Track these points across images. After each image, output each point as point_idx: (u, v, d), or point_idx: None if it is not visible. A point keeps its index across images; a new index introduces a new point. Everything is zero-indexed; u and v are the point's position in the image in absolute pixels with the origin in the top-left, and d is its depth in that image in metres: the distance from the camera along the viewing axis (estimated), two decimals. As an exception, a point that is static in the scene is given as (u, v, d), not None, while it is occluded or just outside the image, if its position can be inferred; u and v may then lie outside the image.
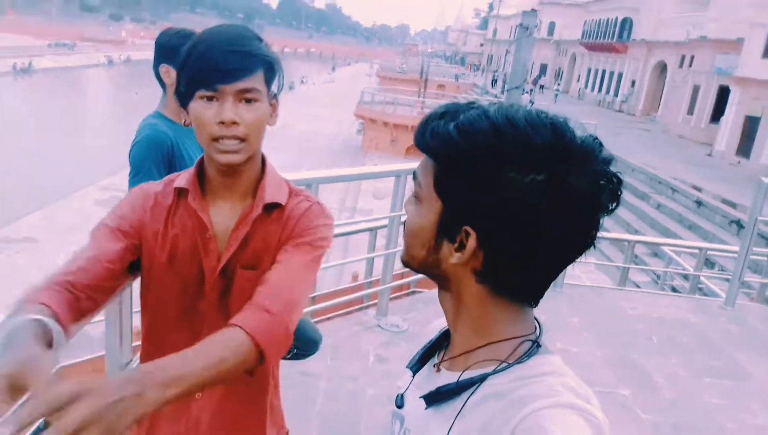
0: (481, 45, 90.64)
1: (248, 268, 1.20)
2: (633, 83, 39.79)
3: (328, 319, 4.07)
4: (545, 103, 32.33)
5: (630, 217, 17.26)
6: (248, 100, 1.12)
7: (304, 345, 2.23)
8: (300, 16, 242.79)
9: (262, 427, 1.34)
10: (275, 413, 1.39)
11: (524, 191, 0.67)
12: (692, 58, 30.68)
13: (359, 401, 3.10)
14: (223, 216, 1.21)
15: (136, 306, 1.43)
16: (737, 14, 26.11)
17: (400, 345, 3.74)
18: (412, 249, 0.79)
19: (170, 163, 1.94)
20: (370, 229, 5.04)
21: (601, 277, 10.64)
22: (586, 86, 48.53)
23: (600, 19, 47.15)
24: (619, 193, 0.70)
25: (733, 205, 15.80)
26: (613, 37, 43.67)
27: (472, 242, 0.71)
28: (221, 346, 0.92)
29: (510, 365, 0.72)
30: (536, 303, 0.77)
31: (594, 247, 0.73)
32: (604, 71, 45.12)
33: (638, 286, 9.59)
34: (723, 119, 24.97)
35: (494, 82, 48.91)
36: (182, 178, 1.22)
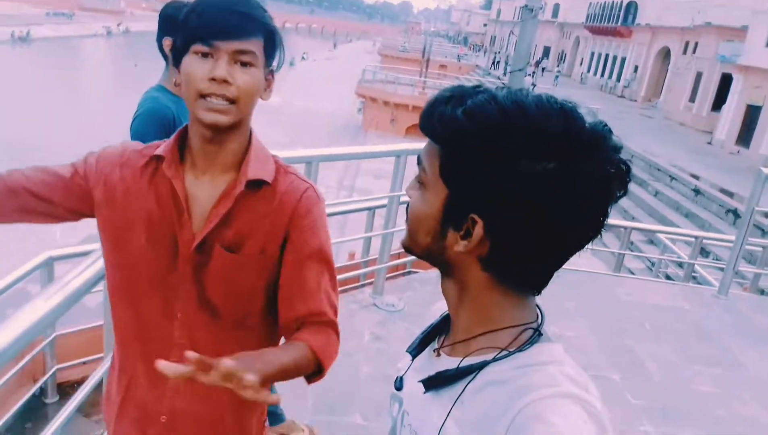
0: (485, 25, 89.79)
1: (230, 249, 1.16)
2: (636, 68, 39.55)
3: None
4: (546, 86, 32.16)
5: (627, 203, 17.28)
6: (243, 63, 1.09)
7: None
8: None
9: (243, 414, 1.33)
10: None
11: (534, 179, 0.66)
12: (696, 44, 30.47)
13: (354, 378, 3.13)
14: (203, 190, 1.17)
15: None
16: (742, 1, 25.88)
17: (396, 324, 3.76)
18: (416, 235, 0.77)
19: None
20: (368, 209, 5.04)
21: (596, 263, 10.68)
22: (588, 70, 48.23)
23: (605, 2, 46.66)
24: (628, 180, 0.70)
25: (730, 194, 15.84)
26: (617, 21, 43.28)
27: (479, 230, 0.70)
28: (298, 355, 1.12)
29: (511, 353, 0.72)
30: (540, 291, 0.77)
31: (601, 235, 0.72)
32: (607, 55, 44.82)
33: (633, 273, 9.65)
34: (724, 107, 24.90)
35: (496, 63, 48.55)
36: (162, 146, 1.19)
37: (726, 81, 26.10)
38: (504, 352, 0.72)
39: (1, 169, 1.25)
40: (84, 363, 3.45)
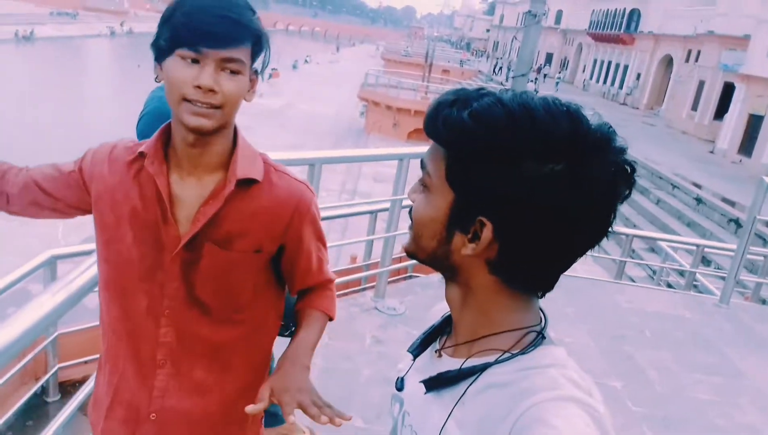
0: (487, 31, 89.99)
1: (222, 246, 1.17)
2: (638, 76, 39.62)
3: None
4: (548, 92, 32.17)
5: (629, 211, 17.29)
6: (231, 71, 1.07)
7: (302, 324, 2.25)
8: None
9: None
10: (257, 426, 1.42)
11: (542, 181, 0.66)
12: (699, 53, 30.53)
13: (354, 381, 3.13)
14: (189, 190, 1.16)
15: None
16: (745, 9, 25.94)
17: (397, 328, 3.77)
18: (421, 239, 0.76)
19: None
20: (370, 212, 5.04)
21: (597, 270, 10.68)
22: (591, 77, 48.32)
23: (608, 9, 46.75)
24: (633, 181, 0.70)
25: (732, 203, 15.84)
26: (620, 28, 43.36)
27: (487, 233, 0.70)
28: (319, 325, 1.32)
29: (513, 355, 0.72)
30: (545, 294, 0.77)
31: (608, 237, 0.72)
32: (609, 62, 44.91)
33: (634, 281, 9.63)
34: (726, 116, 24.92)
35: (498, 69, 48.62)
36: (147, 143, 1.18)
37: (728, 90, 26.14)
38: (506, 355, 0.72)
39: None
40: (86, 362, 3.45)
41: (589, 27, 50.02)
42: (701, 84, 29.29)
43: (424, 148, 0.80)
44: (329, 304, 1.36)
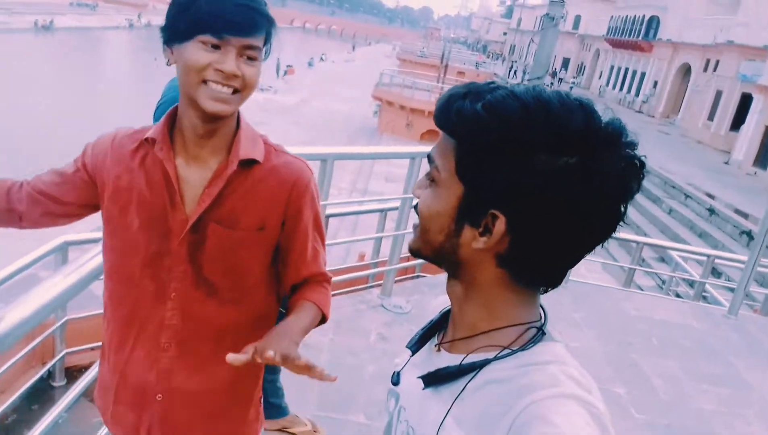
0: (504, 34, 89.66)
1: (225, 226, 1.19)
2: (655, 84, 39.32)
3: (333, 295, 4.10)
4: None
5: (641, 220, 17.16)
6: (248, 58, 1.11)
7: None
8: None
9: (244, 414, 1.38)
10: (258, 404, 1.43)
11: (555, 174, 0.66)
12: (717, 62, 30.24)
13: (359, 377, 3.14)
14: (194, 172, 1.19)
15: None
16: (765, 20, 25.66)
17: (402, 326, 3.77)
18: (427, 234, 0.76)
19: None
20: (380, 211, 5.06)
21: (606, 278, 10.61)
22: (607, 84, 48.01)
23: (627, 16, 46.41)
24: (642, 176, 0.70)
25: (745, 215, 15.67)
26: (638, 35, 43.01)
27: (500, 226, 0.69)
28: (311, 313, 1.28)
29: (513, 352, 0.71)
30: (548, 290, 0.77)
31: (615, 237, 0.73)
32: (627, 69, 44.59)
33: (642, 290, 9.57)
34: (743, 127, 24.66)
35: (513, 72, 48.46)
36: (153, 129, 1.20)
37: (746, 101, 25.87)
38: (506, 351, 0.71)
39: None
40: (92, 349, 3.48)
41: (607, 33, 49.67)
42: (719, 94, 29.01)
43: (437, 147, 0.80)
44: (323, 299, 1.32)
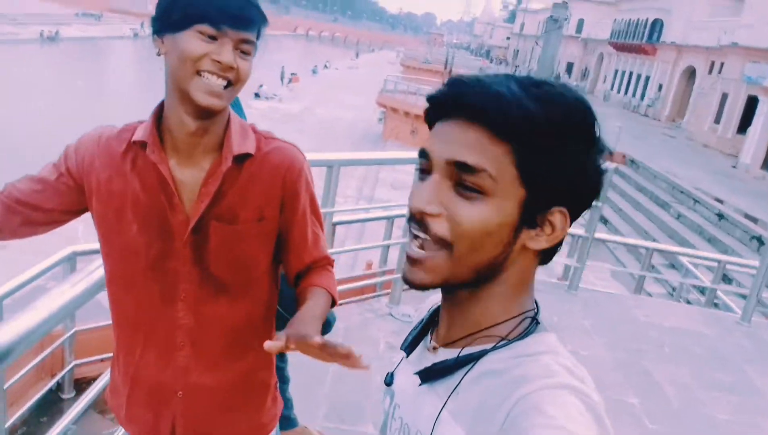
0: (507, 39, 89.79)
1: (226, 222, 1.19)
2: (660, 87, 39.23)
3: (340, 304, 4.08)
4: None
5: (649, 225, 17.06)
6: (243, 52, 1.11)
7: (318, 326, 2.25)
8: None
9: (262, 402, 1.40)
10: (274, 390, 1.44)
11: (596, 165, 0.70)
12: (722, 64, 30.13)
13: (367, 386, 3.12)
14: (189, 172, 1.18)
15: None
16: (771, 21, 25.56)
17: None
18: (474, 254, 0.68)
19: None
20: (387, 218, 5.04)
21: (615, 285, 10.55)
22: (612, 88, 47.94)
23: (630, 19, 46.38)
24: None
25: (755, 220, 15.57)
26: (642, 38, 42.96)
27: (564, 220, 0.69)
28: (323, 299, 1.26)
29: (510, 342, 0.71)
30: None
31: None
32: (631, 73, 44.53)
33: (651, 296, 9.52)
34: (750, 130, 24.53)
35: (517, 77, 48.40)
36: (140, 131, 1.17)
37: (752, 103, 25.75)
38: (503, 341, 0.71)
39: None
40: (102, 360, 3.47)
41: (611, 36, 49.66)
42: (724, 96, 28.89)
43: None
44: (330, 282, 1.32)
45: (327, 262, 1.36)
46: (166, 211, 1.17)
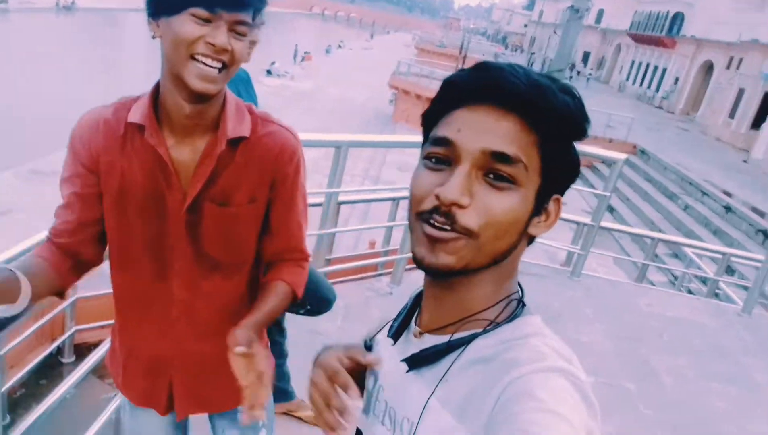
0: (525, 26, 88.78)
1: (220, 203, 1.21)
2: (676, 80, 38.74)
3: (342, 281, 4.10)
4: (580, 89, 31.81)
5: (656, 216, 16.99)
6: (238, 33, 1.10)
7: (317, 302, 2.26)
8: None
9: None
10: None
11: (577, 152, 0.73)
12: (740, 60, 29.71)
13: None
14: (184, 151, 1.19)
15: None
16: (794, 18, 25.11)
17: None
18: (498, 241, 0.68)
19: None
20: (392, 199, 5.04)
21: (618, 273, 10.53)
22: (627, 78, 47.38)
23: (651, 12, 45.69)
24: None
25: (762, 214, 15.46)
26: (662, 31, 42.34)
27: (558, 206, 0.73)
28: (279, 298, 1.30)
29: (498, 325, 0.71)
30: None
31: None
32: (648, 65, 43.96)
33: (654, 285, 9.50)
34: (764, 126, 24.24)
35: (531, 64, 48.06)
36: (136, 112, 1.16)
37: (768, 100, 25.43)
38: (492, 325, 0.71)
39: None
40: (102, 327, 3.51)
41: (630, 27, 48.96)
42: (741, 92, 28.52)
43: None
44: (297, 279, 1.34)
45: (302, 257, 1.36)
46: (163, 191, 1.19)
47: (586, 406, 0.62)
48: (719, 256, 6.85)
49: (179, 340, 1.32)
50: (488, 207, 0.66)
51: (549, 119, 0.66)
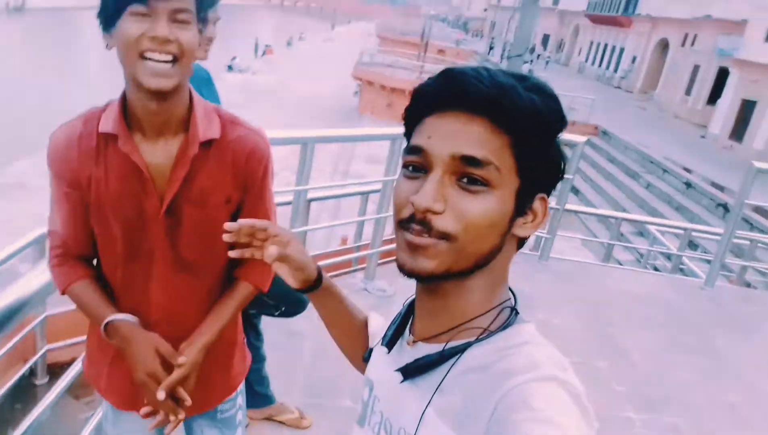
0: (485, 10, 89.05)
1: (196, 204, 1.23)
2: (634, 59, 39.42)
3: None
4: (540, 72, 32.12)
5: (619, 195, 17.35)
6: (181, 21, 1.10)
7: (291, 304, 2.27)
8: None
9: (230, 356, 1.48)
10: (242, 347, 1.53)
11: (560, 150, 0.73)
12: (695, 37, 30.38)
13: (343, 362, 3.15)
14: (157, 155, 1.20)
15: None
16: (743, -6, 25.75)
17: (386, 309, 3.79)
18: (475, 244, 0.69)
19: None
20: (361, 193, 5.05)
21: (586, 254, 10.76)
22: (586, 60, 48.01)
23: (607, -9, 46.36)
24: None
25: (721, 188, 15.93)
26: (618, 10, 43.00)
27: (545, 206, 0.73)
28: (236, 301, 1.36)
29: (492, 333, 0.71)
30: None
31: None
32: (606, 45, 44.60)
33: (621, 264, 9.74)
34: (720, 102, 24.90)
35: (491, 49, 48.29)
36: (107, 121, 1.18)
37: (723, 75, 26.09)
38: (486, 333, 0.72)
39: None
40: (74, 344, 3.45)
41: (587, 8, 49.57)
42: (696, 68, 29.19)
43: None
44: (261, 278, 1.38)
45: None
46: (140, 197, 1.20)
47: (581, 414, 0.63)
48: (681, 231, 7.06)
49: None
50: (463, 211, 0.67)
51: (515, 119, 0.67)
